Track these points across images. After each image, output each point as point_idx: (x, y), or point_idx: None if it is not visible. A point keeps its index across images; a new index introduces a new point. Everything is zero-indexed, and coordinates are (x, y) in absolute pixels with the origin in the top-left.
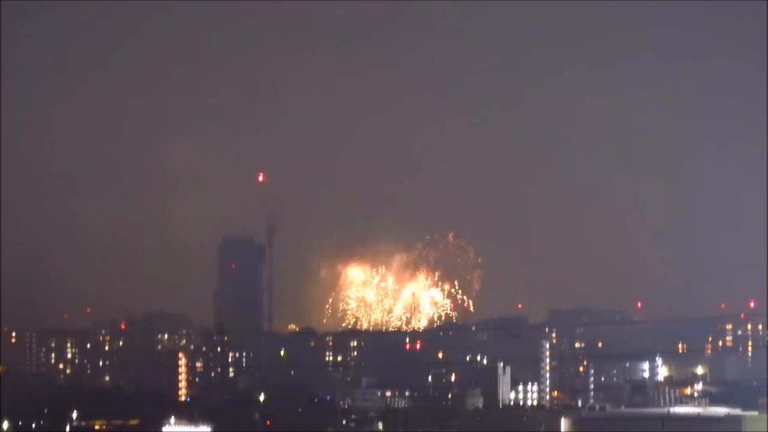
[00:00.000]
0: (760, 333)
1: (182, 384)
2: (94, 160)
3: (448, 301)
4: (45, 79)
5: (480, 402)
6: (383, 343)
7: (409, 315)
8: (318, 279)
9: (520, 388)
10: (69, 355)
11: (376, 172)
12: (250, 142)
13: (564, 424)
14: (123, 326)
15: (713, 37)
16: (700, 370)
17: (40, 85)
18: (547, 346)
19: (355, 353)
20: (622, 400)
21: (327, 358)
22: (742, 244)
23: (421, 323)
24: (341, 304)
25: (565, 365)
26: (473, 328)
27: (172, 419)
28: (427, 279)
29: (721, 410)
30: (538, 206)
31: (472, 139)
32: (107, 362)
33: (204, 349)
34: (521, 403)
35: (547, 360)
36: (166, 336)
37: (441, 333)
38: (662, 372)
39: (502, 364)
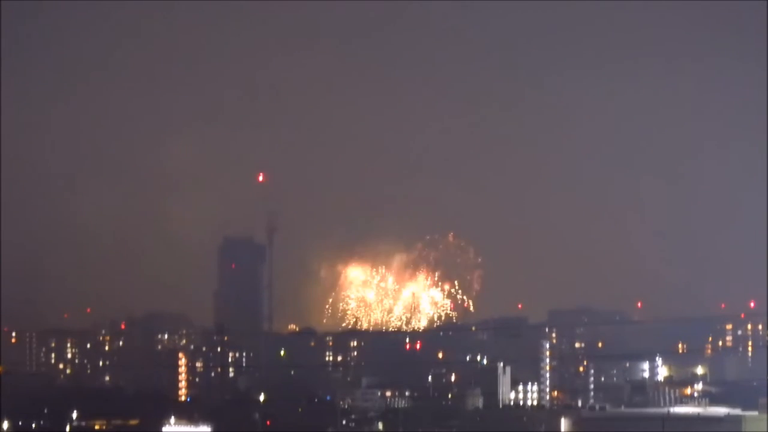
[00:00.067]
0: (760, 333)
1: (182, 384)
2: (94, 160)
3: (448, 301)
4: (45, 79)
5: (480, 402)
6: (383, 343)
7: (409, 315)
8: (318, 279)
9: (520, 388)
10: (69, 355)
11: (376, 172)
12: (250, 142)
13: (564, 424)
14: (123, 326)
15: (713, 37)
16: (700, 370)
17: (40, 85)
18: (547, 346)
19: (355, 353)
20: (622, 400)
21: (327, 358)
22: (742, 244)
23: (421, 323)
24: (341, 304)
25: (565, 365)
26: (473, 328)
27: (172, 419)
28: (427, 279)
29: (721, 410)
30: (538, 206)
31: (472, 139)
32: (107, 362)
33: (204, 349)
34: (521, 403)
35: (547, 360)
36: (166, 336)
37: (441, 333)
38: (662, 372)
39: (502, 364)
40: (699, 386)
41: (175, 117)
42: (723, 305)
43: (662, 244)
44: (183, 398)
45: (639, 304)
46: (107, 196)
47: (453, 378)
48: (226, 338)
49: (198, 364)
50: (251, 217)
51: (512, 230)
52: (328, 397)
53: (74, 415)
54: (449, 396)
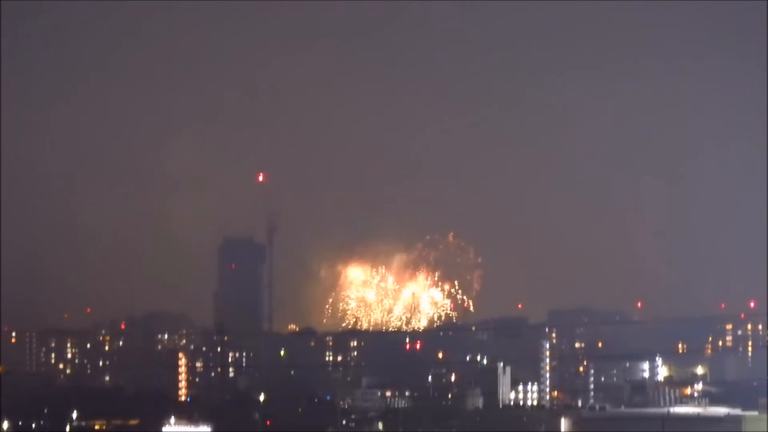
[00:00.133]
0: (760, 333)
1: (182, 384)
2: (94, 160)
3: (448, 301)
4: (45, 79)
5: (480, 402)
6: (383, 343)
7: (409, 315)
8: (318, 279)
9: (520, 388)
10: (69, 355)
11: (376, 172)
12: (250, 142)
13: (564, 424)
14: (123, 326)
15: (713, 37)
16: (700, 370)
17: (40, 85)
18: (547, 346)
19: (355, 353)
20: (622, 400)
21: (327, 358)
22: (742, 244)
23: (421, 323)
24: (341, 304)
25: (565, 365)
26: (473, 328)
27: (172, 419)
28: (427, 279)
29: (721, 410)
30: (538, 206)
31: (472, 139)
32: (107, 362)
33: (204, 349)
34: (521, 403)
35: (547, 360)
36: (166, 336)
37: (441, 333)
38: (662, 372)
39: (502, 364)
40: (699, 386)
41: (175, 117)
42: (723, 305)
43: (662, 244)
44: (183, 398)
45: (639, 304)
46: (107, 196)
47: (453, 378)
48: (226, 338)
49: (198, 364)
50: (251, 217)
51: (512, 230)
52: (328, 397)
53: (74, 415)
54: (449, 396)
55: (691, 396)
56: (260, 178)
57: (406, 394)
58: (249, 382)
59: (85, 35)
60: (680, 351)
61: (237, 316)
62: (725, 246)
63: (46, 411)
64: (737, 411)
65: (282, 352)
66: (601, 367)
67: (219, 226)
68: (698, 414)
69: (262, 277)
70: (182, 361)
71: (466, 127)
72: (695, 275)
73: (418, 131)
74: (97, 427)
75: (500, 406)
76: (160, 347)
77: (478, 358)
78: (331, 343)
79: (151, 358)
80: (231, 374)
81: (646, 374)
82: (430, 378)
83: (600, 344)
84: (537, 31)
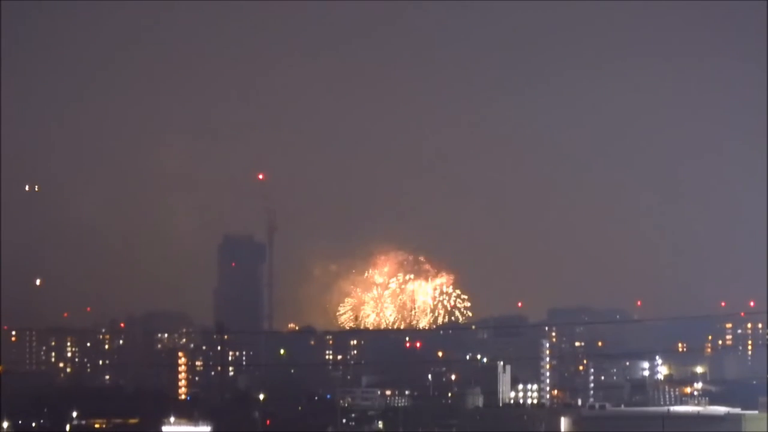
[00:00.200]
0: (760, 332)
1: (182, 383)
2: (94, 160)
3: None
4: (45, 79)
5: (480, 401)
6: (383, 342)
7: (409, 314)
8: (318, 278)
9: (520, 386)
10: (69, 354)
11: (376, 173)
12: (251, 142)
13: (564, 423)
14: (123, 325)
15: (713, 37)
16: (699, 369)
17: (41, 85)
18: (547, 345)
19: (355, 352)
20: (622, 399)
21: (327, 357)
22: (742, 244)
23: (420, 322)
24: (341, 303)
25: (565, 364)
26: (473, 327)
27: (172, 418)
28: (427, 279)
29: (721, 409)
30: (539, 206)
31: (471, 139)
32: (107, 361)
33: (204, 347)
34: (521, 401)
35: (547, 359)
36: (165, 335)
37: (441, 332)
38: (662, 371)
39: (502, 362)
40: (699, 385)
41: (176, 117)
42: (723, 304)
43: (662, 243)
44: (183, 397)
45: (639, 303)
46: (107, 196)
47: (453, 377)
48: (225, 337)
49: (198, 363)
50: (251, 215)
51: (512, 230)
52: (328, 396)
53: (74, 414)
54: (449, 395)
55: (691, 395)
56: (260, 177)
57: (406, 392)
58: (249, 381)
59: (85, 35)
60: (680, 350)
61: (237, 315)
62: (725, 246)
63: (45, 410)
64: (737, 410)
65: (282, 351)
66: (600, 365)
67: (219, 225)
68: (698, 413)
69: (262, 276)
70: (182, 360)
71: (466, 126)
72: (695, 274)
73: (419, 131)
74: (97, 426)
75: (500, 404)
76: (159, 346)
77: (478, 356)
78: (331, 342)
79: (150, 357)
80: (231, 373)
81: (646, 373)
82: (430, 377)
83: (600, 343)
84: (537, 31)
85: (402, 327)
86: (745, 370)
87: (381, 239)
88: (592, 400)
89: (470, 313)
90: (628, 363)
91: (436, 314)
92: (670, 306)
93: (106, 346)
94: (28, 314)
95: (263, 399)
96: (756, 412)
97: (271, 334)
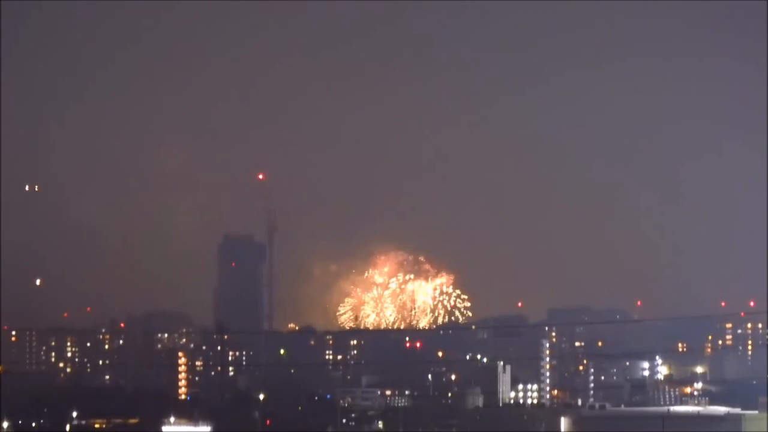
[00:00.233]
0: (760, 332)
1: (182, 383)
2: (94, 160)
3: (446, 298)
4: (45, 79)
5: (480, 401)
6: (383, 342)
7: (409, 314)
8: (318, 278)
9: (520, 386)
10: (69, 354)
11: (376, 173)
12: (251, 142)
13: (564, 423)
14: (123, 325)
15: (713, 37)
16: (699, 369)
17: (41, 85)
18: (547, 345)
19: (355, 352)
20: (622, 398)
21: (327, 357)
22: (742, 244)
23: (420, 322)
24: (341, 303)
25: (565, 364)
26: (473, 327)
27: (172, 418)
28: (427, 279)
29: (721, 409)
30: (539, 206)
31: (471, 139)
32: (107, 361)
33: (204, 347)
34: (521, 401)
35: (547, 359)
36: (165, 335)
37: (441, 332)
38: (662, 371)
39: (502, 362)
40: (699, 385)
41: (176, 117)
42: (723, 304)
43: (662, 243)
44: (183, 397)
45: (639, 303)
46: (107, 196)
47: (453, 377)
48: (225, 337)
49: (198, 363)
50: (251, 215)
51: (512, 230)
52: (328, 396)
53: (74, 414)
54: (449, 395)
55: (691, 395)
56: (260, 177)
57: (406, 392)
58: (249, 381)
59: (85, 35)
60: (680, 350)
61: (237, 315)
62: (725, 246)
63: (45, 410)
64: (737, 410)
65: (282, 351)
66: (600, 365)
67: (219, 225)
68: (698, 413)
69: (262, 276)
70: (182, 360)
71: (466, 126)
72: (695, 274)
73: (419, 131)
74: (97, 426)
75: (500, 404)
76: (159, 346)
77: (478, 356)
78: (331, 342)
79: (150, 357)
80: (231, 373)
81: (646, 373)
82: (430, 377)
83: (600, 343)
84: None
85: (402, 327)
86: (745, 370)
87: (381, 239)
88: (592, 400)
89: (470, 313)
90: (628, 363)
91: (436, 314)
92: (670, 306)
93: (106, 346)
94: (28, 314)
95: (263, 399)
96: (756, 412)
97: (271, 334)
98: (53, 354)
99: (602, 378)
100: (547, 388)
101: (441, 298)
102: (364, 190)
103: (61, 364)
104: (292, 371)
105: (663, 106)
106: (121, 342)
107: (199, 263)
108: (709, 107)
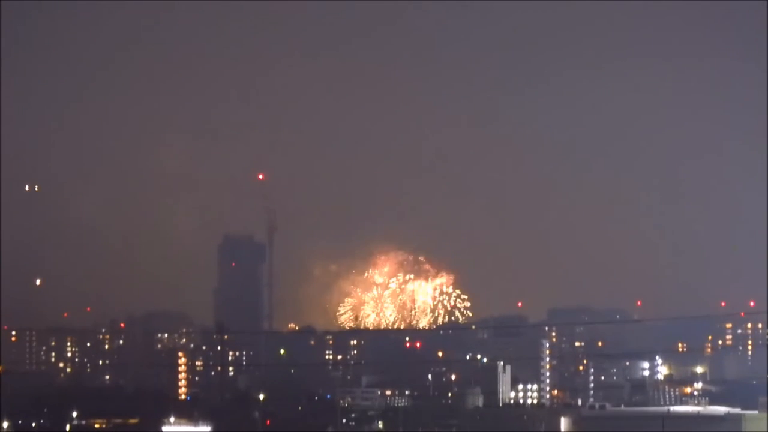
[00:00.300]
0: (760, 332)
1: (182, 383)
2: (94, 160)
3: (446, 298)
4: (45, 79)
5: (480, 401)
6: (383, 342)
7: (409, 314)
8: (318, 278)
9: (520, 386)
10: (69, 354)
11: (376, 173)
12: (251, 142)
13: (564, 422)
14: (123, 325)
15: (713, 37)
16: (699, 369)
17: (41, 85)
18: (547, 345)
19: (355, 352)
20: (622, 398)
21: (327, 357)
22: (742, 244)
23: (420, 322)
24: (341, 303)
25: (565, 364)
26: (473, 327)
27: (172, 418)
28: (427, 279)
29: (721, 409)
30: (539, 206)
31: (471, 139)
32: (107, 361)
33: (204, 347)
34: (521, 401)
35: (547, 359)
36: (165, 335)
37: (441, 332)
38: (662, 371)
39: (502, 362)
40: (699, 385)
41: (176, 117)
42: (723, 304)
43: (662, 243)
44: (183, 397)
45: (639, 303)
46: (107, 196)
47: (453, 377)
48: (225, 337)
49: (198, 363)
50: (251, 215)
51: (512, 230)
52: (328, 396)
53: (74, 414)
54: (449, 395)
55: (691, 395)
56: (260, 177)
57: (406, 392)
58: (249, 381)
59: (85, 35)
60: (680, 350)
61: (237, 315)
62: (725, 246)
63: (45, 410)
64: (737, 410)
65: (282, 351)
66: (600, 365)
67: (219, 225)
68: (698, 413)
69: (262, 276)
70: (182, 360)
71: (466, 126)
72: (695, 274)
73: (419, 132)
74: (97, 426)
75: (500, 404)
76: (159, 346)
77: (478, 356)
78: (331, 342)
79: (150, 357)
80: (231, 373)
81: (646, 373)
82: (430, 377)
83: (600, 343)
84: (537, 31)
85: (402, 327)
86: (745, 370)
87: (381, 239)
88: (592, 400)
89: (470, 313)
90: (628, 363)
91: (436, 314)
92: (670, 306)
93: (106, 346)
94: (28, 314)
95: (263, 399)
96: (756, 412)
97: (271, 334)
98: (53, 354)
99: (602, 378)
100: (547, 388)
101: (441, 298)
102: (364, 190)
103: (61, 364)
104: (292, 371)
105: (663, 106)
106: (121, 342)
107: (199, 263)
108: (709, 107)
